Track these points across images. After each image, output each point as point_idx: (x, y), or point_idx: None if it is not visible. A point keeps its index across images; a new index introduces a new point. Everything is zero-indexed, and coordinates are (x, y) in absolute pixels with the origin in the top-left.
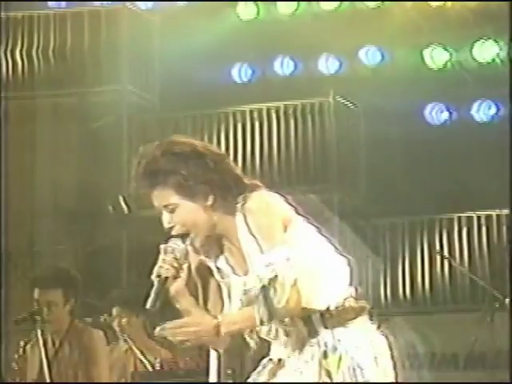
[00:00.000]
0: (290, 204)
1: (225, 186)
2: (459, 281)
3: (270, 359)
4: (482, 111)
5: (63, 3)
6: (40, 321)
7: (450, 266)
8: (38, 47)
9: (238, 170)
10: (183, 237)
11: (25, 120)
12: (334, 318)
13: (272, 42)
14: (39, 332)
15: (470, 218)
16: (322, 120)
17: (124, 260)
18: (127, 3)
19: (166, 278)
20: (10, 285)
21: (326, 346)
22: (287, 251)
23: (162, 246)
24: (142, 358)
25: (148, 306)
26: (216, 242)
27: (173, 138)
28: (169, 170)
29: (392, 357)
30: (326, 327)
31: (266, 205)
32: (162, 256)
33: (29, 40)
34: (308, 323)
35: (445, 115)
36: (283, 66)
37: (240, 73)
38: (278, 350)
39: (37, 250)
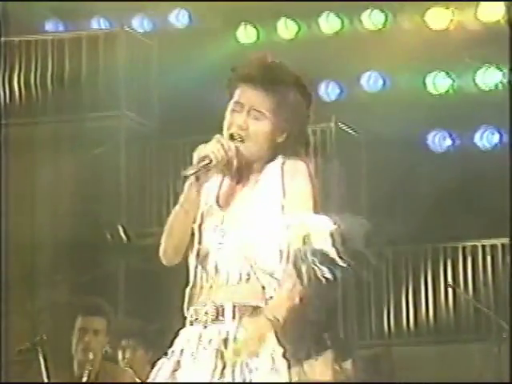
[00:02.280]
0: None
1: (299, 140)
2: (463, 310)
3: None
4: (486, 138)
5: (61, 27)
6: (41, 351)
7: (455, 295)
8: (35, 72)
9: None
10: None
11: (23, 147)
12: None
13: None
14: (42, 361)
15: (474, 247)
16: (323, 146)
17: (121, 289)
18: (125, 27)
19: (210, 162)
20: (8, 315)
21: (227, 334)
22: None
23: (218, 136)
24: None
25: (187, 173)
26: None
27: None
28: (282, 81)
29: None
30: (234, 318)
31: (309, 176)
32: (219, 140)
33: (26, 65)
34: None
35: (448, 142)
36: None
37: None
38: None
39: (35, 280)
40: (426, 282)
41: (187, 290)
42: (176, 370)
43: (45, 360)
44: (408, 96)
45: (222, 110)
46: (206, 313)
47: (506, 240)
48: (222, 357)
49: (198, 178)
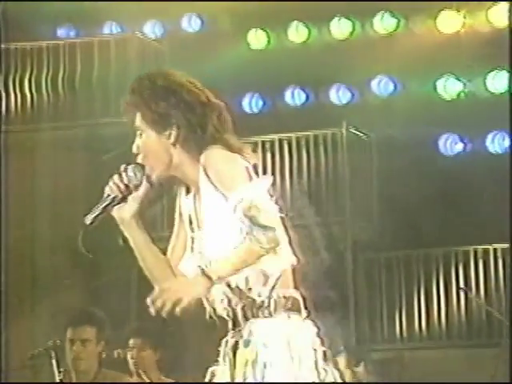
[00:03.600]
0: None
1: (191, 129)
2: (475, 315)
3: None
4: (497, 142)
5: (72, 32)
6: (55, 356)
7: (466, 299)
8: (46, 78)
9: (217, 125)
10: (143, 168)
11: (33, 152)
12: (256, 307)
13: (283, 72)
14: (55, 366)
15: (486, 251)
16: (334, 151)
17: (133, 293)
18: (137, 32)
19: (114, 197)
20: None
21: (241, 337)
22: (253, 193)
23: (121, 167)
24: None
25: (87, 222)
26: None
27: (164, 70)
28: (140, 94)
29: (315, 357)
30: (246, 318)
31: (225, 154)
32: (115, 176)
33: (38, 70)
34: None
35: (459, 146)
36: (294, 97)
37: (251, 103)
38: None
39: (41, 284)
40: (437, 286)
41: None
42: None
43: (57, 365)
44: (419, 100)
45: (233, 115)
46: (228, 315)
47: None
48: (233, 359)
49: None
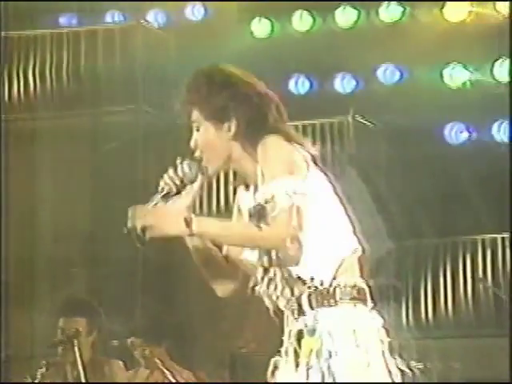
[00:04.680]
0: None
1: (250, 121)
2: (484, 305)
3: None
4: (503, 131)
5: (75, 20)
6: (77, 344)
7: (474, 289)
8: (51, 66)
9: (275, 115)
10: (200, 162)
11: (38, 141)
12: (321, 295)
13: (287, 61)
14: (77, 353)
15: (493, 240)
16: (341, 139)
17: (138, 283)
18: (142, 21)
19: (168, 192)
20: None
21: (305, 325)
22: (289, 185)
23: (177, 161)
24: (170, 378)
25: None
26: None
27: (217, 65)
28: (198, 91)
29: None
30: (312, 307)
31: (279, 143)
32: (170, 170)
33: (41, 59)
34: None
35: (464, 135)
36: (298, 85)
37: None
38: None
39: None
40: (444, 275)
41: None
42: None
43: (80, 352)
44: (425, 89)
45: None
46: (292, 308)
47: None
48: (299, 348)
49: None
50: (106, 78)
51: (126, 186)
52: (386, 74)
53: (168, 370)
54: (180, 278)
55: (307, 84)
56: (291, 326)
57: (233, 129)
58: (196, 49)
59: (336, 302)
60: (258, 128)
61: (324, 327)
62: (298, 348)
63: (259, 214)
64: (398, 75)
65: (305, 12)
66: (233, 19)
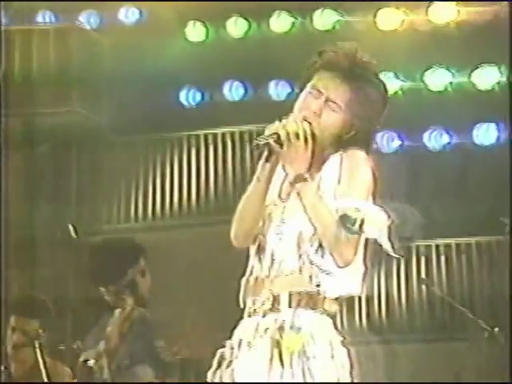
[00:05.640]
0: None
1: (364, 139)
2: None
3: None
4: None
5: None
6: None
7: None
8: None
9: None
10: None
11: None
12: (312, 299)
13: (221, 66)
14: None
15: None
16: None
17: (71, 286)
18: (77, 22)
19: (278, 137)
20: None
21: (283, 322)
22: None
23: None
24: None
25: (258, 141)
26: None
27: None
28: (368, 80)
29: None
30: (290, 306)
31: (366, 164)
32: (290, 118)
33: None
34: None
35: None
36: (232, 91)
37: (187, 97)
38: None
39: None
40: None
41: (243, 281)
42: (232, 360)
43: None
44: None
45: (171, 108)
46: (263, 303)
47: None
48: (279, 345)
49: (267, 159)
50: (40, 78)
51: (58, 189)
52: None
53: None
54: None
55: (241, 89)
56: (259, 320)
57: (349, 135)
58: (130, 51)
59: (325, 310)
60: (363, 144)
61: (307, 328)
62: (276, 343)
63: (343, 221)
64: None
65: (240, 18)
66: (167, 23)
